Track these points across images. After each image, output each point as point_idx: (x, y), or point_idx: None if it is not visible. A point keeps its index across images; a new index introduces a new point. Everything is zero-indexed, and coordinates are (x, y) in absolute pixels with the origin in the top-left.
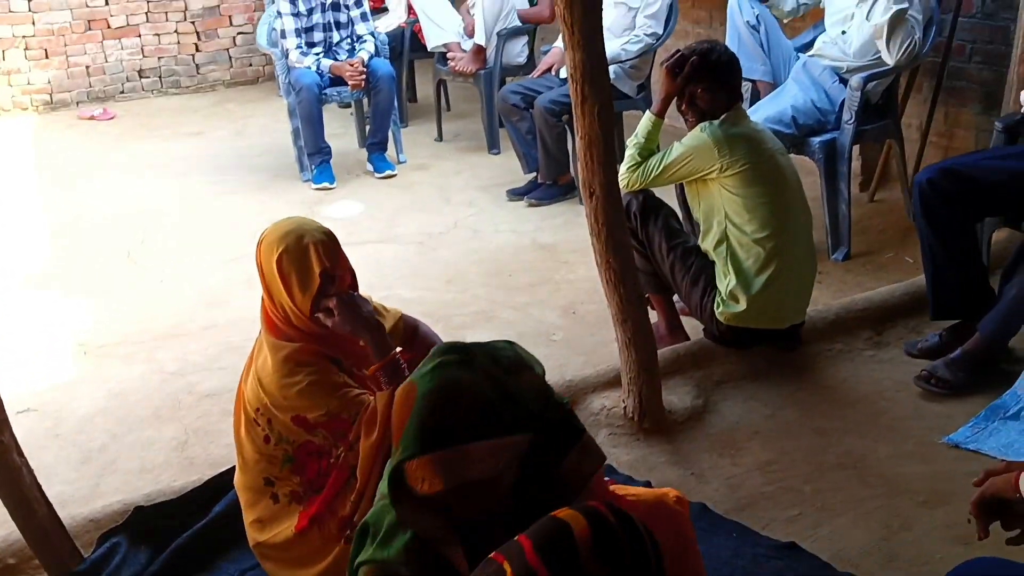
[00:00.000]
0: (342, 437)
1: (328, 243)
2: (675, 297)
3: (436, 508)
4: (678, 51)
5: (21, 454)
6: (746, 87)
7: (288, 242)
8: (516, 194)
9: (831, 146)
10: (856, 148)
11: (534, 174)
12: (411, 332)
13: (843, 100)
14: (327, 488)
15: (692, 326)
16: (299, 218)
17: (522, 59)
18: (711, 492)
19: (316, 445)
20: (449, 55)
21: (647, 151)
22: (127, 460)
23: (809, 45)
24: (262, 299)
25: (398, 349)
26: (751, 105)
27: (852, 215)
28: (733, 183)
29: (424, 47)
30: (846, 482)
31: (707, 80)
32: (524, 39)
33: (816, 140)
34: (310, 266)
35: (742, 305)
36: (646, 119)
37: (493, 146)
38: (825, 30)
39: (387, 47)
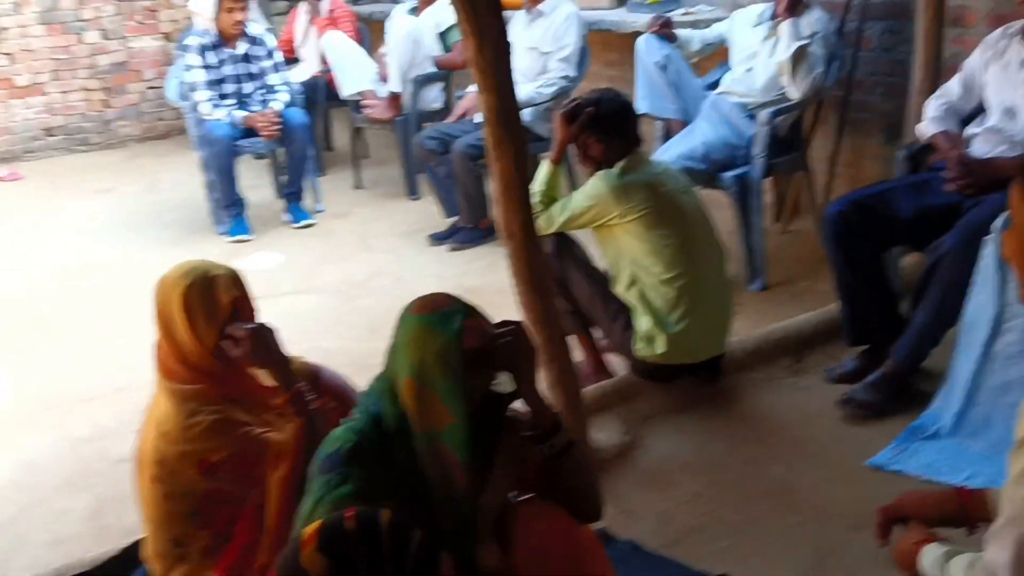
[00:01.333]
0: (248, 479)
1: (235, 276)
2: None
3: None
4: (574, 99)
5: None
6: (658, 125)
7: (195, 276)
8: (438, 239)
9: (743, 180)
10: (767, 181)
11: (455, 218)
12: (313, 376)
13: (752, 135)
14: (238, 535)
15: (617, 364)
16: (196, 260)
17: (438, 104)
18: (643, 528)
19: (223, 492)
20: (364, 103)
21: (548, 198)
22: (37, 533)
23: (717, 83)
24: (157, 345)
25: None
26: (664, 143)
27: (767, 246)
28: (635, 228)
29: (338, 95)
30: (775, 510)
31: (597, 129)
32: (439, 85)
33: (729, 174)
34: (218, 297)
35: (660, 344)
36: (544, 166)
37: (412, 192)
38: (731, 68)
39: (302, 96)
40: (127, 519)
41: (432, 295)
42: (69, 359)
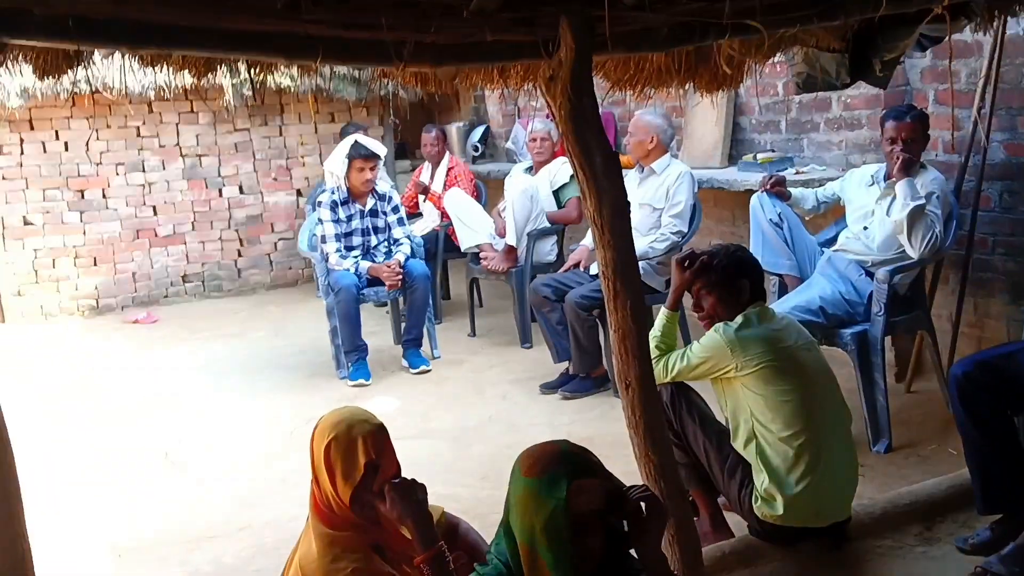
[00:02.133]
0: None
1: (377, 435)
2: (720, 497)
3: None
4: (692, 250)
5: None
6: (773, 282)
7: (338, 431)
8: (550, 387)
9: (863, 337)
10: (888, 339)
11: (566, 365)
12: (452, 530)
13: (871, 292)
14: None
15: (736, 522)
16: (353, 408)
17: (551, 257)
18: None
19: None
20: (482, 255)
21: (666, 344)
22: None
23: (832, 240)
24: (311, 485)
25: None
26: (779, 299)
27: (890, 406)
28: (752, 382)
29: (457, 248)
30: None
31: (708, 280)
32: (553, 239)
33: (847, 332)
34: (356, 457)
35: (779, 505)
36: (661, 314)
37: (525, 340)
38: (847, 226)
39: (422, 248)
40: None
41: (542, 449)
42: (193, 497)
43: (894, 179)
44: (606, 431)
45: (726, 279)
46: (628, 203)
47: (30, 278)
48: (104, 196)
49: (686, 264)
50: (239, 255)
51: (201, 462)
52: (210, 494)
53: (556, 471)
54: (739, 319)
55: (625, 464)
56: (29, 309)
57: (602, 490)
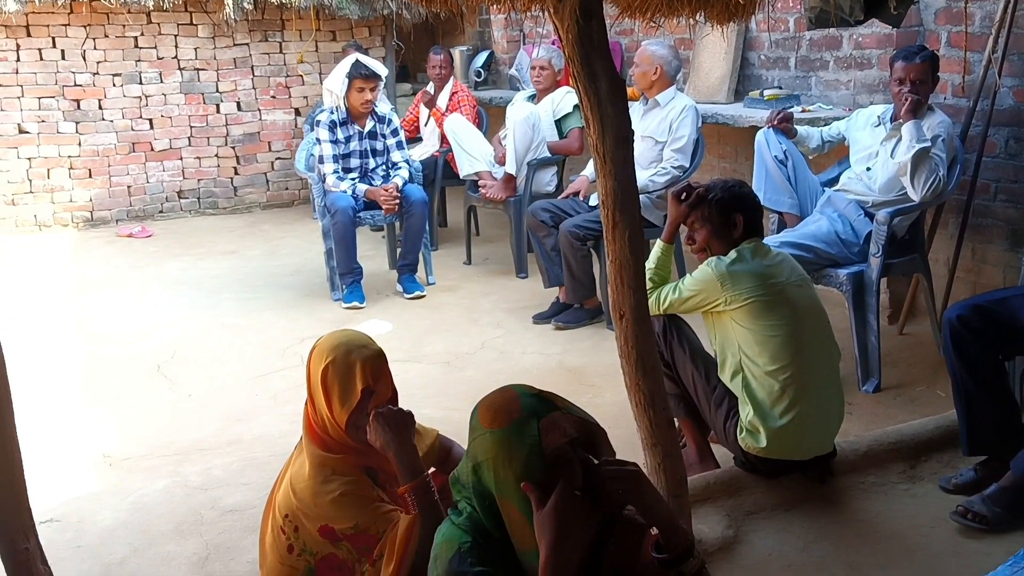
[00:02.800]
0: (367, 552)
1: (375, 361)
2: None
3: None
4: (689, 183)
5: (45, 562)
6: (773, 219)
7: (336, 355)
8: (542, 318)
9: (858, 278)
10: (884, 281)
11: (556, 292)
12: (446, 453)
13: (869, 233)
14: None
15: (723, 454)
16: (352, 332)
17: (551, 187)
18: None
19: (339, 559)
20: (480, 183)
21: (660, 277)
22: (146, 575)
23: (834, 180)
24: (305, 405)
25: (431, 470)
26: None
27: (881, 347)
28: (741, 316)
29: (456, 175)
30: None
31: (702, 214)
32: (553, 169)
33: (843, 271)
34: (353, 382)
35: (762, 437)
36: (656, 246)
37: (521, 270)
38: (850, 166)
39: (420, 174)
40: (234, 567)
41: (497, 398)
42: (184, 410)
43: (901, 120)
44: (597, 361)
45: (720, 213)
46: (632, 132)
47: (24, 187)
48: (100, 107)
49: (682, 197)
50: (235, 173)
51: (192, 377)
52: (201, 408)
53: (521, 415)
54: (732, 254)
55: (615, 394)
56: (23, 219)
57: (571, 419)
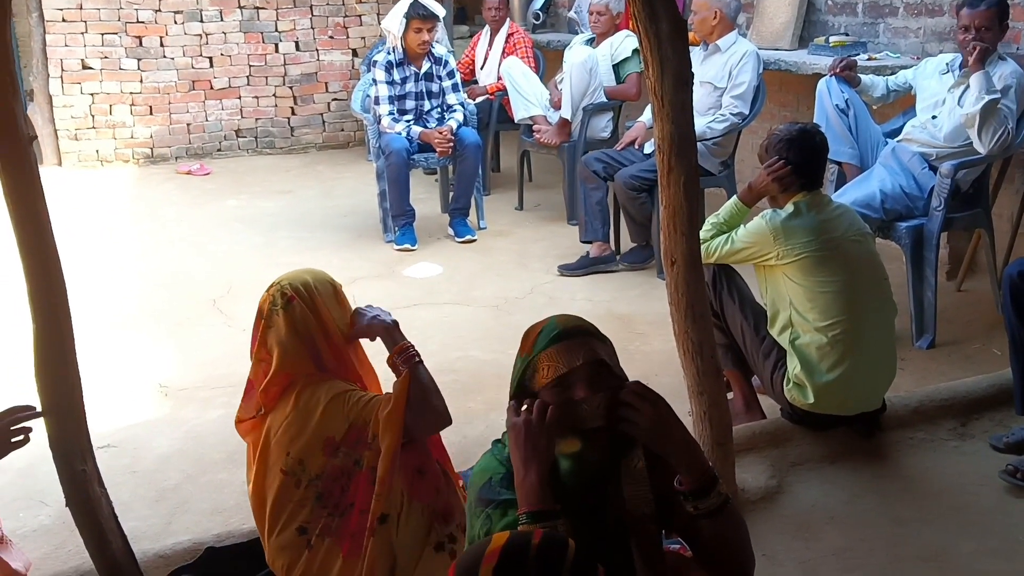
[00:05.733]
0: (361, 444)
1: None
2: (753, 378)
3: None
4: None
5: (102, 485)
6: (832, 170)
7: (317, 282)
8: (568, 270)
9: (918, 232)
10: (944, 236)
11: (588, 245)
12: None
13: (932, 187)
14: (356, 501)
15: (769, 406)
16: (300, 270)
17: (606, 134)
18: (783, 575)
19: (337, 467)
20: (535, 127)
21: (719, 231)
22: (199, 501)
23: (897, 131)
24: (256, 379)
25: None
26: (836, 188)
27: (938, 303)
28: (793, 271)
29: (511, 119)
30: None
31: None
32: (609, 115)
33: (903, 225)
34: (342, 298)
35: (809, 392)
36: (733, 201)
37: (572, 217)
38: (915, 115)
39: (475, 117)
40: None
41: (531, 329)
42: (238, 345)
43: (969, 69)
44: (647, 309)
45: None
46: (692, 75)
47: (87, 123)
48: (161, 44)
49: (773, 169)
50: (292, 113)
51: (247, 312)
52: None
53: (542, 333)
54: (789, 207)
55: (663, 342)
56: (85, 154)
57: (578, 351)
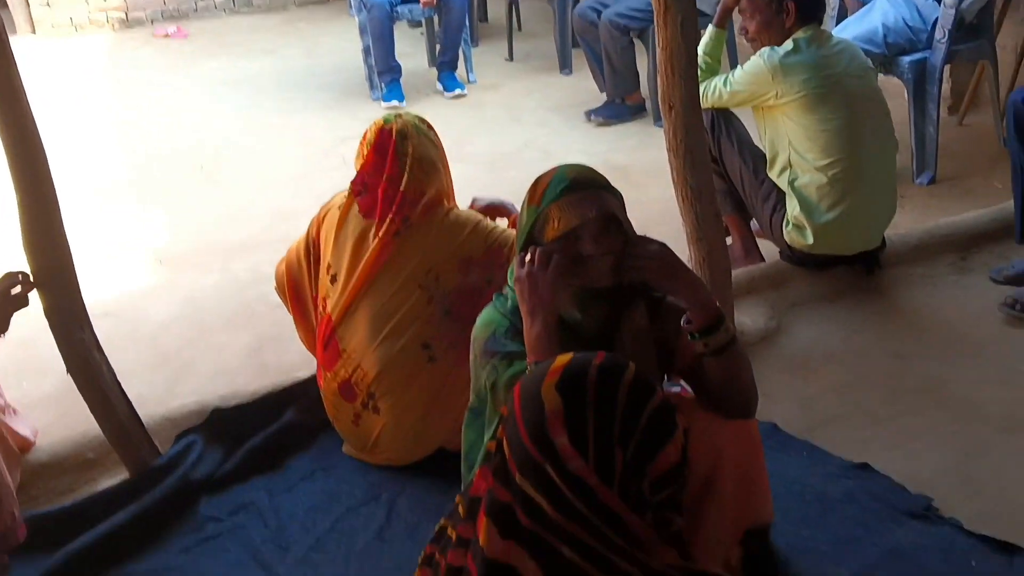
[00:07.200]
0: (495, 264)
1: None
2: (752, 222)
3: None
4: None
5: (101, 352)
6: (833, 3)
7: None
8: (599, 115)
9: (921, 66)
10: (947, 70)
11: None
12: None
13: (936, 18)
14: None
15: (768, 250)
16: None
17: None
18: (782, 412)
19: (470, 285)
20: None
21: (709, 65)
22: (202, 364)
23: None
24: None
25: None
26: (837, 23)
27: (939, 138)
28: (793, 111)
29: None
30: (923, 406)
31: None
32: None
33: (906, 59)
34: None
35: (808, 234)
36: (708, 32)
37: (565, 66)
38: None
39: None
40: (285, 358)
41: (540, 178)
42: (229, 209)
43: None
44: (643, 159)
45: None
46: None
47: None
48: None
49: None
50: None
51: (236, 176)
52: (246, 207)
53: (552, 184)
54: (788, 44)
55: (661, 191)
56: (58, 20)
57: (589, 204)
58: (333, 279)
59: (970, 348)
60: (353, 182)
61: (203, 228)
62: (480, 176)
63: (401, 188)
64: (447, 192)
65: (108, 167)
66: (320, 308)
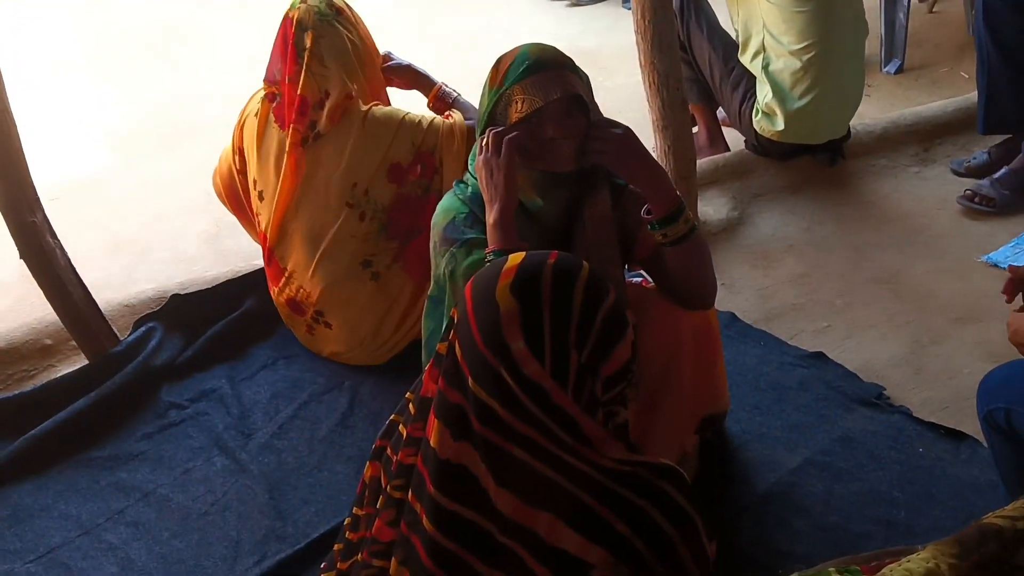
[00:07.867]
0: (429, 170)
1: None
2: (719, 111)
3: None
4: None
5: (54, 236)
6: None
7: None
8: None
9: None
10: None
11: None
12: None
13: None
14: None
15: (733, 139)
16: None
17: None
18: (741, 302)
19: (405, 196)
20: None
21: None
22: (159, 250)
23: None
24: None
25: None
26: None
27: (909, 26)
28: None
29: None
30: (879, 297)
31: None
32: None
33: None
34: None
35: (779, 120)
36: None
37: None
38: None
39: None
40: (244, 244)
41: (500, 59)
42: (185, 91)
43: None
44: (611, 42)
45: None
46: None
47: None
48: None
49: None
50: None
51: (190, 57)
52: (201, 88)
53: (515, 63)
54: None
55: (627, 76)
56: None
57: (555, 83)
58: (260, 196)
59: (927, 239)
60: (265, 81)
61: (157, 109)
62: (442, 59)
63: (299, 91)
64: (368, 91)
65: (60, 42)
66: (257, 224)
